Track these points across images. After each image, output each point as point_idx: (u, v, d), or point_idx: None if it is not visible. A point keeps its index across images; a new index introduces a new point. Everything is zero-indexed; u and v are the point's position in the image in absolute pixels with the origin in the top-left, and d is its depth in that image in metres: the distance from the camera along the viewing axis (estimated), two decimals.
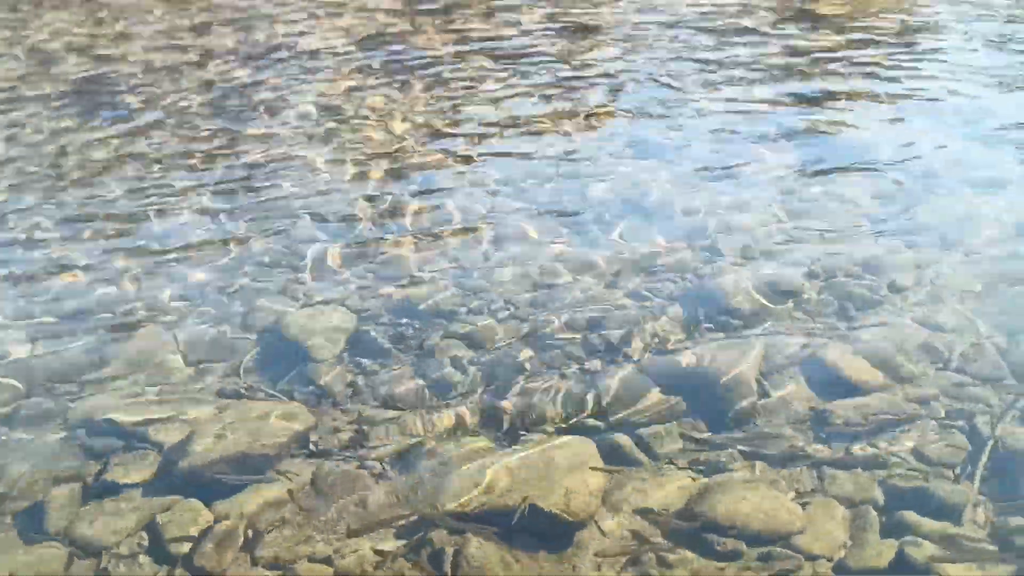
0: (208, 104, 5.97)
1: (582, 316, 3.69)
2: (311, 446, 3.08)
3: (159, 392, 3.36)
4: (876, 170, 4.65)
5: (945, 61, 5.84)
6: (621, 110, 5.51)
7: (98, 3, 8.27)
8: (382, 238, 4.35)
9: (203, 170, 5.11)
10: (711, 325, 3.60)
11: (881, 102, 5.37)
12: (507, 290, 3.89)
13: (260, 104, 5.94)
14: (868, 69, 5.84)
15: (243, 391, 3.35)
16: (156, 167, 5.16)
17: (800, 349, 3.40)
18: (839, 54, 6.05)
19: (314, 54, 6.71)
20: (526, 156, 5.05)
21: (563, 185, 4.74)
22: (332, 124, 5.57)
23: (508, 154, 5.08)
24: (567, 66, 6.19)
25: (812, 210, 4.35)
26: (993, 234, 4.04)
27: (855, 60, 5.96)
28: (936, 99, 5.34)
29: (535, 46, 6.56)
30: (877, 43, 6.17)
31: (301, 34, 7.16)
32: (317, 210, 4.62)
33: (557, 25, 6.96)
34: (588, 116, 5.46)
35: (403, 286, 3.96)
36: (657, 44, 6.43)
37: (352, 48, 6.80)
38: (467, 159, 5.07)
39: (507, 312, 3.76)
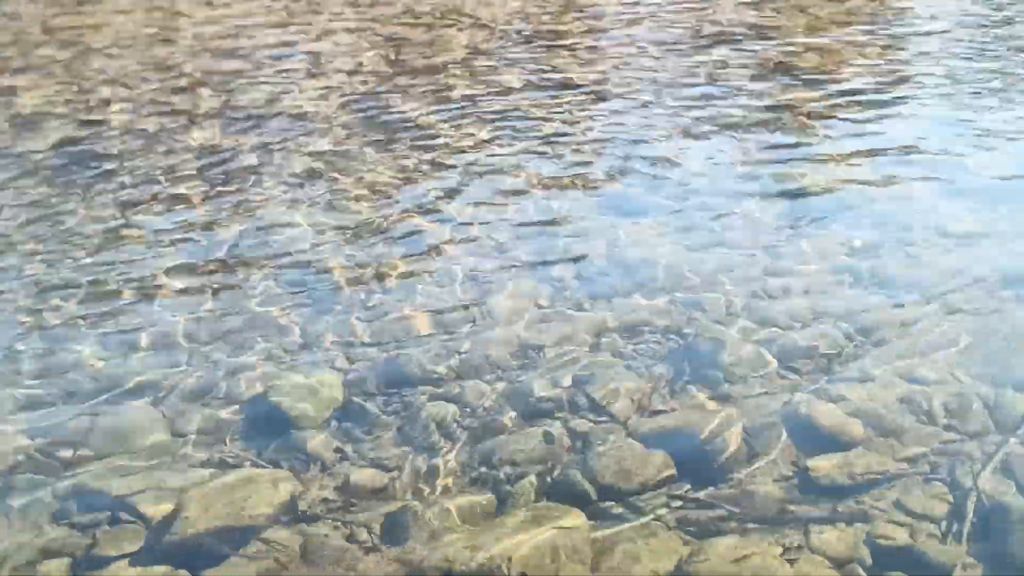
0: (193, 169, 6.00)
1: (568, 376, 3.71)
2: (299, 514, 3.08)
3: (146, 463, 3.35)
4: (855, 223, 4.70)
5: (922, 114, 5.90)
6: (603, 168, 5.55)
7: (82, 68, 8.32)
8: (367, 301, 4.37)
9: (187, 236, 5.12)
10: (696, 383, 3.62)
11: (859, 155, 5.43)
12: (492, 351, 3.91)
13: (244, 168, 5.96)
14: (846, 123, 5.90)
15: (230, 460, 3.35)
16: (139, 232, 5.17)
17: (784, 406, 3.42)
18: (817, 108, 6.12)
19: (298, 116, 6.76)
20: (511, 216, 5.08)
21: (547, 244, 4.77)
22: (317, 187, 5.60)
23: (493, 215, 5.11)
24: (550, 125, 6.24)
25: (793, 265, 4.39)
26: (973, 287, 4.07)
27: (834, 114, 6.03)
28: (914, 152, 5.41)
29: (519, 106, 6.62)
30: (855, 96, 6.24)
31: (284, 96, 7.21)
32: (302, 275, 4.63)
33: (540, 84, 7.03)
34: (572, 175, 5.50)
35: (389, 349, 3.97)
36: (639, 102, 6.49)
37: (336, 110, 6.86)
38: (452, 221, 5.10)
39: (493, 374, 3.77)
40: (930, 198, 4.87)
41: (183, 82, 7.82)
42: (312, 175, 5.77)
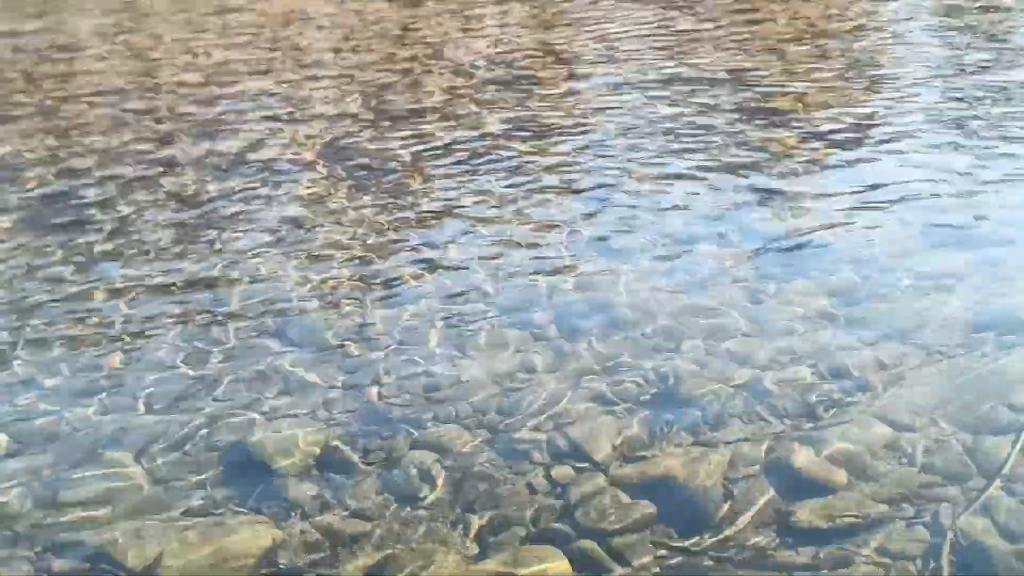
0: (172, 217, 6.01)
1: (549, 422, 3.72)
2: (281, 563, 3.06)
3: (126, 512, 3.34)
4: (834, 266, 4.73)
5: (898, 157, 5.96)
6: (583, 213, 5.58)
7: (60, 116, 8.33)
8: (348, 349, 4.37)
9: (165, 284, 5.12)
10: (678, 429, 3.63)
11: (836, 198, 5.47)
12: (474, 397, 3.91)
13: (224, 216, 5.98)
14: (824, 167, 5.96)
15: (211, 509, 3.33)
16: (117, 281, 5.17)
17: (766, 452, 3.43)
18: (795, 152, 6.17)
19: (278, 164, 6.78)
20: (491, 261, 5.09)
21: (528, 288, 4.78)
22: (297, 235, 5.62)
23: (472, 260, 5.13)
24: (531, 169, 6.27)
25: (773, 308, 4.41)
26: (951, 331, 4.10)
27: (811, 158, 6.08)
28: (890, 195, 5.45)
29: (498, 150, 6.66)
30: (831, 140, 6.30)
31: (265, 143, 7.23)
32: (283, 322, 4.63)
33: (519, 128, 7.07)
34: (552, 219, 5.53)
35: (370, 395, 3.98)
36: (618, 146, 6.53)
37: (316, 156, 6.88)
38: (432, 266, 5.12)
39: (474, 419, 3.78)
40: (907, 241, 4.91)
41: (163, 129, 7.83)
42: (292, 223, 5.78)
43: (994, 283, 4.45)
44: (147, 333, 4.61)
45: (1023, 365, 3.82)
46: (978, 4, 8.93)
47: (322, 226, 5.70)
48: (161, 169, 6.86)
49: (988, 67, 7.18)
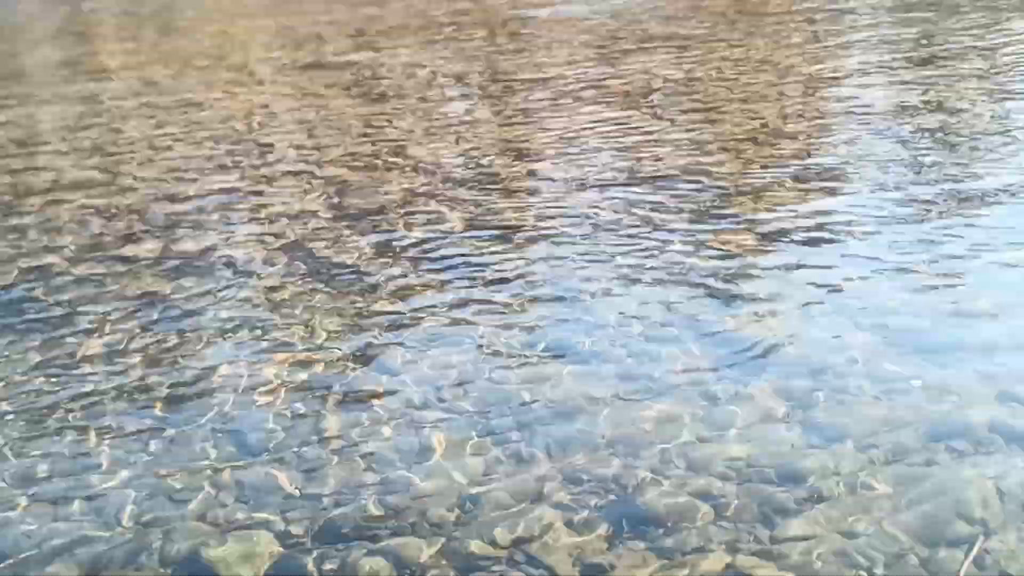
0: (130, 317, 6.01)
1: (505, 530, 3.70)
2: None
3: None
4: (788, 370, 4.77)
5: (852, 257, 6.03)
6: (543, 314, 5.62)
7: (18, 212, 8.33)
8: (303, 454, 4.36)
9: (122, 386, 5.11)
10: (635, 537, 3.63)
11: (789, 301, 5.52)
12: (430, 505, 3.90)
13: (183, 315, 5.98)
14: (782, 267, 6.02)
15: None
16: (74, 386, 5.14)
17: (722, 563, 3.43)
18: (754, 252, 6.23)
19: (238, 263, 6.79)
20: (450, 365, 5.11)
21: (487, 393, 4.79)
22: (255, 336, 5.62)
23: (432, 363, 5.14)
24: (492, 269, 6.31)
25: (731, 414, 4.44)
26: (907, 438, 4.13)
27: (770, 258, 6.15)
28: (845, 296, 5.51)
29: (460, 250, 6.70)
30: (791, 240, 6.38)
31: (226, 242, 7.25)
32: (236, 428, 4.62)
33: (481, 228, 7.13)
34: (511, 321, 5.55)
35: (325, 503, 3.96)
36: (577, 246, 6.59)
37: (276, 256, 6.90)
38: (390, 370, 5.12)
39: (430, 528, 3.76)
40: (864, 345, 4.95)
41: (123, 227, 7.83)
42: (250, 324, 5.78)
43: (950, 390, 4.49)
44: (99, 435, 4.57)
45: (976, 474, 3.85)
46: (930, 103, 9.13)
47: (280, 328, 5.70)
48: (121, 268, 6.85)
49: (944, 167, 7.31)
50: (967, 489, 3.77)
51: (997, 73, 9.91)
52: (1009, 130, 8.06)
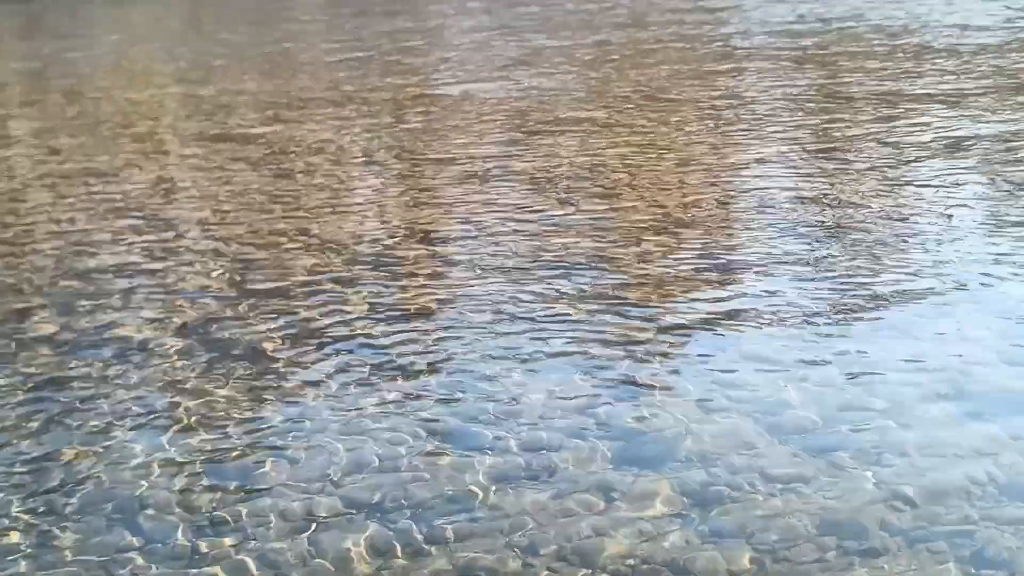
0: (25, 400, 5.91)
1: None
2: None
3: None
4: (684, 466, 4.85)
5: (748, 349, 6.16)
6: (442, 401, 5.65)
7: None
8: (197, 546, 4.33)
9: (18, 474, 5.02)
10: None
11: (689, 392, 5.62)
12: None
13: (80, 399, 5.91)
14: (678, 357, 6.13)
15: None
16: None
17: None
18: (651, 342, 6.34)
19: (137, 344, 6.73)
20: (348, 452, 5.11)
21: (386, 481, 4.81)
22: (154, 419, 5.58)
23: (332, 452, 5.15)
24: (394, 354, 6.34)
25: (627, 508, 4.50)
26: (799, 536, 4.22)
27: (666, 349, 6.26)
28: (741, 390, 5.62)
29: (362, 333, 6.72)
30: (687, 331, 6.50)
31: (125, 321, 7.18)
32: (133, 513, 4.58)
33: (383, 311, 7.15)
34: (411, 408, 5.58)
35: None
36: (479, 331, 6.65)
37: (176, 336, 6.85)
38: (289, 456, 5.11)
39: None
40: (757, 439, 5.06)
41: (19, 304, 7.71)
42: (149, 407, 5.73)
43: (839, 486, 4.60)
44: None
45: (866, 575, 3.95)
46: (828, 196, 9.40)
47: (179, 410, 5.66)
48: (14, 348, 6.74)
49: (840, 262, 7.52)
50: None
51: (894, 167, 10.25)
52: (905, 226, 8.32)
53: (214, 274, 8.25)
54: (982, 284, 6.91)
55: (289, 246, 8.97)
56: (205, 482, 4.89)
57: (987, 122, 11.93)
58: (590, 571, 4.04)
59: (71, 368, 6.33)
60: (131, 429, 5.47)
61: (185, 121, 17.07)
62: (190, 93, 20.18)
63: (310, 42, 29.18)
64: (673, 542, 4.23)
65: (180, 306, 7.46)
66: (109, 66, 26.79)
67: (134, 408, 5.72)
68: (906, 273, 7.19)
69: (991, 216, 8.43)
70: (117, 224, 10.06)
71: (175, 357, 6.46)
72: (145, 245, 9.26)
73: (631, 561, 4.09)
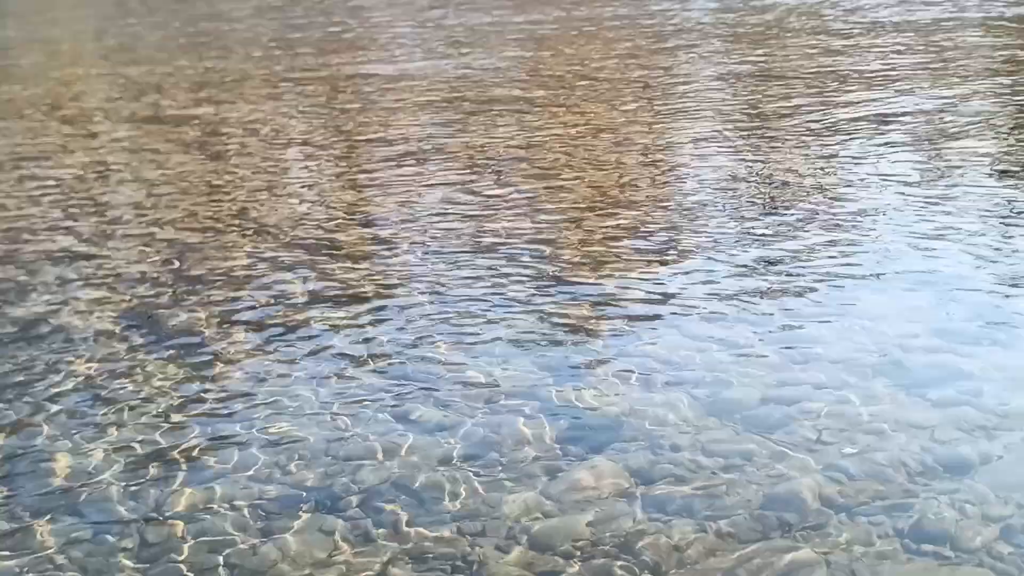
0: None
1: None
2: None
3: None
4: (631, 445, 4.90)
5: (691, 328, 6.23)
6: (383, 386, 5.66)
7: None
8: (142, 528, 4.31)
9: None
10: None
11: (631, 373, 5.67)
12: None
13: (12, 387, 5.85)
14: (620, 336, 6.18)
15: None
16: None
17: None
18: (593, 323, 6.39)
19: (73, 331, 6.66)
20: (297, 441, 5.11)
21: (332, 471, 4.81)
22: (90, 409, 5.54)
23: (276, 440, 5.14)
24: (336, 340, 6.35)
25: (572, 489, 4.53)
26: (741, 511, 4.29)
27: (608, 329, 6.31)
28: (683, 370, 5.69)
29: (302, 320, 6.70)
30: (628, 311, 6.56)
31: (60, 309, 7.09)
32: (75, 497, 4.54)
33: (324, 296, 7.15)
34: (355, 395, 5.58)
35: None
36: (421, 313, 6.66)
37: (112, 324, 6.78)
38: (232, 442, 5.10)
39: None
40: (700, 419, 5.12)
41: None
42: (84, 396, 5.68)
43: (780, 463, 4.67)
44: None
45: (805, 548, 4.02)
46: (760, 173, 9.50)
47: (117, 402, 5.61)
48: None
49: (773, 240, 7.61)
50: (798, 561, 3.93)
51: (822, 144, 10.38)
52: (839, 203, 8.43)
53: (151, 259, 8.17)
54: (916, 259, 7.04)
55: (226, 230, 8.91)
56: (144, 467, 4.86)
57: (918, 98, 12.12)
58: (539, 552, 4.08)
59: (3, 358, 6.25)
60: (64, 419, 5.42)
61: (115, 103, 16.85)
62: (119, 74, 19.92)
63: (241, 21, 28.88)
64: (619, 521, 4.27)
65: (115, 293, 7.39)
66: (35, 47, 26.32)
67: (67, 397, 5.66)
68: (841, 250, 7.30)
69: (923, 192, 8.57)
70: (50, 209, 9.92)
71: (110, 345, 6.39)
72: (78, 231, 9.15)
73: (579, 542, 4.13)
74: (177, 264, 8.03)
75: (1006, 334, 5.87)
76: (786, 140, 10.78)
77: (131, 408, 5.52)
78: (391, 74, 16.90)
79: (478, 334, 6.28)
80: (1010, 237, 7.35)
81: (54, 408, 5.55)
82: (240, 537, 4.28)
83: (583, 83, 14.91)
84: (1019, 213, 7.93)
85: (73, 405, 5.58)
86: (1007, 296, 6.34)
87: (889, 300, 6.44)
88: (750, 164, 9.96)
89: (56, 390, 5.77)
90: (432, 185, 9.99)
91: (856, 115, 11.54)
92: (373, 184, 10.36)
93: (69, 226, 9.32)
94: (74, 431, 5.28)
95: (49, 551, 4.22)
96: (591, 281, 7.08)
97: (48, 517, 4.48)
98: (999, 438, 4.77)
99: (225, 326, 6.64)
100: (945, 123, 10.86)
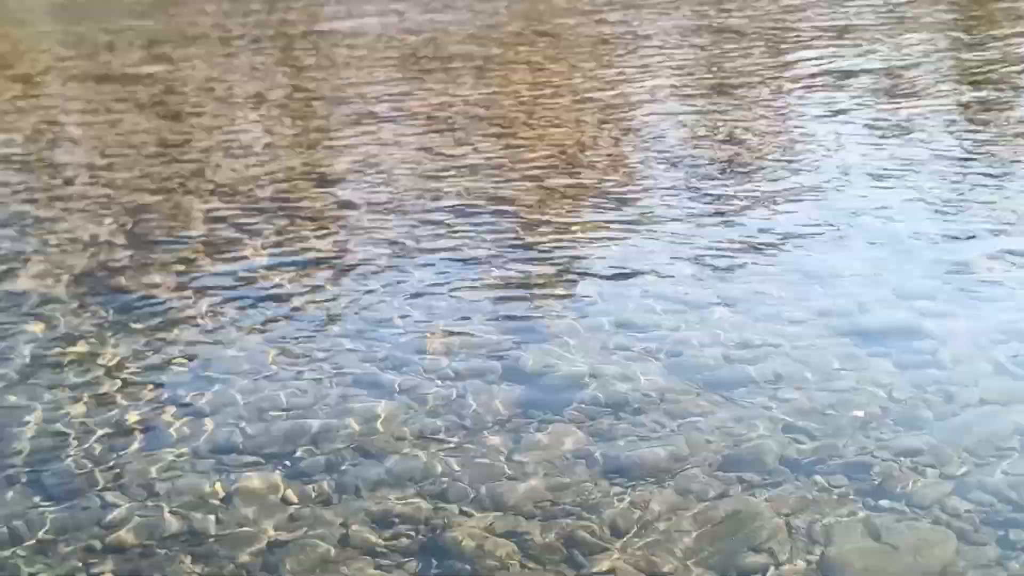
0: None
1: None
2: None
3: None
4: (592, 408, 4.90)
5: (650, 292, 6.23)
6: (343, 349, 5.63)
7: None
8: (105, 497, 4.28)
9: None
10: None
11: (595, 333, 5.69)
12: (237, 554, 3.89)
13: None
14: (580, 298, 6.19)
15: None
16: None
17: None
18: (555, 284, 6.40)
19: (28, 296, 6.57)
20: (255, 403, 5.08)
21: (292, 432, 4.79)
22: (46, 376, 5.48)
23: (237, 403, 5.11)
24: (296, 302, 6.30)
25: (534, 448, 4.54)
26: (702, 471, 4.31)
27: (569, 291, 6.32)
28: (641, 332, 5.69)
29: (263, 281, 6.66)
30: (590, 273, 6.57)
31: (14, 273, 7.00)
32: (34, 469, 4.50)
33: (284, 258, 7.08)
34: (316, 358, 5.55)
35: (129, 556, 3.90)
36: (384, 274, 6.64)
37: (67, 288, 6.70)
38: (190, 406, 5.07)
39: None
40: (662, 380, 5.14)
41: None
42: (41, 363, 5.61)
43: (739, 422, 4.70)
44: None
45: (766, 507, 4.06)
46: (720, 131, 9.51)
47: (71, 368, 5.54)
48: None
49: (734, 199, 7.63)
50: (757, 521, 3.97)
51: (782, 101, 10.41)
52: (795, 159, 8.47)
53: (106, 222, 8.07)
54: (872, 219, 7.09)
55: (182, 192, 8.82)
56: (108, 436, 4.82)
57: (873, 56, 12.17)
58: (501, 513, 4.08)
59: None
60: (19, 386, 5.35)
61: (66, 61, 16.59)
62: (69, 31, 19.60)
63: None
64: (581, 482, 4.29)
65: (70, 256, 7.30)
66: None
67: (22, 365, 5.58)
68: (799, 209, 7.33)
69: (879, 150, 8.61)
70: (1, 171, 9.77)
71: (66, 309, 6.32)
72: (31, 193, 9.03)
73: (541, 503, 4.14)
74: (132, 227, 7.95)
75: (964, 292, 5.92)
76: (745, 97, 10.79)
77: (84, 374, 5.45)
78: (345, 30, 16.74)
79: (438, 295, 6.26)
80: (966, 192, 7.41)
81: (6, 372, 5.48)
82: (199, 497, 4.26)
83: (540, 39, 14.84)
84: (976, 171, 7.99)
85: (24, 370, 5.50)
86: (965, 253, 6.39)
87: (847, 259, 6.48)
88: (709, 121, 9.97)
89: (8, 357, 5.69)
90: (389, 144, 9.93)
91: (814, 71, 11.57)
92: (330, 143, 10.29)
93: (20, 188, 9.19)
94: (26, 394, 5.22)
95: (6, 514, 4.18)
96: (551, 242, 7.07)
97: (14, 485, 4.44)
98: (956, 397, 4.82)
99: (181, 289, 6.58)
100: (904, 79, 10.91)
